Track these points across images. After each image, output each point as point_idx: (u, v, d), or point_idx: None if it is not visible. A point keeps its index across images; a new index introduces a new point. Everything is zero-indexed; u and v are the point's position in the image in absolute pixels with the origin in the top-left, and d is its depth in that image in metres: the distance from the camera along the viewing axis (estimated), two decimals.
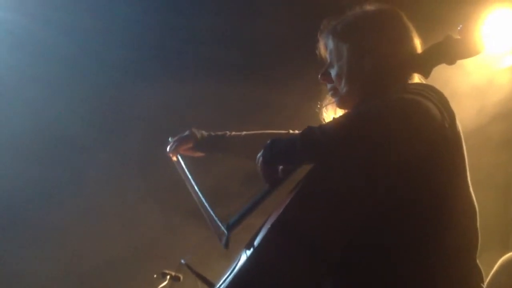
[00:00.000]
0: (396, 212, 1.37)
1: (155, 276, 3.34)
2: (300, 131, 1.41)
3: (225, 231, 1.62)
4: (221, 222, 1.65)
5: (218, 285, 1.52)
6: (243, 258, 1.47)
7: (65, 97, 3.77)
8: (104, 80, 3.78)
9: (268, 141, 1.48)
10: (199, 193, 1.81)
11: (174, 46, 3.70)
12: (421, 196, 1.37)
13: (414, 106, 1.34)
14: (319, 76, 1.65)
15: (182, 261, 3.16)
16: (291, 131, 1.90)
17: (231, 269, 1.50)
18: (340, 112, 1.67)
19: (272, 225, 1.40)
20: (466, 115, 3.32)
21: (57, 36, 3.55)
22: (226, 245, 1.61)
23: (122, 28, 3.61)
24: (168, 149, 2.00)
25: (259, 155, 1.49)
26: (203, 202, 1.77)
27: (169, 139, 2.02)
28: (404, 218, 1.37)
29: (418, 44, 1.58)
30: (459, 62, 1.49)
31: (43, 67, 3.63)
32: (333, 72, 1.61)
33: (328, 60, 1.64)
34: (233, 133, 1.98)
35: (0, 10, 3.42)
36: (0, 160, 3.76)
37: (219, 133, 1.99)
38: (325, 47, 1.65)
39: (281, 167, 1.54)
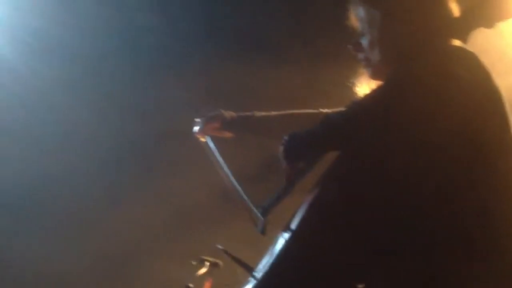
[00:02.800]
0: (441, 187, 1.30)
1: (193, 263, 3.34)
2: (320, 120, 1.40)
3: (261, 216, 1.59)
4: (255, 206, 1.62)
5: (257, 269, 1.50)
6: (281, 241, 1.45)
7: (89, 99, 3.84)
8: (128, 81, 3.83)
9: (285, 137, 1.47)
10: (230, 176, 1.78)
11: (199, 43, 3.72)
12: (465, 169, 1.30)
13: (446, 72, 1.30)
14: (351, 46, 1.59)
15: (219, 246, 3.14)
16: (321, 110, 1.85)
17: (270, 253, 1.48)
18: (373, 84, 1.61)
19: (309, 207, 1.39)
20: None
21: (81, 40, 3.62)
22: (263, 231, 1.58)
23: (145, 30, 3.64)
24: (195, 129, 1.96)
25: (279, 153, 1.47)
26: (235, 186, 1.74)
27: (196, 119, 1.98)
28: (452, 193, 1.30)
29: (454, 8, 1.50)
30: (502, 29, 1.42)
31: (67, 71, 3.70)
32: (365, 41, 1.56)
33: (360, 29, 1.58)
34: (262, 113, 1.94)
35: (23, 14, 3.47)
36: (27, 158, 3.84)
37: (248, 113, 1.95)
38: (356, 16, 1.59)
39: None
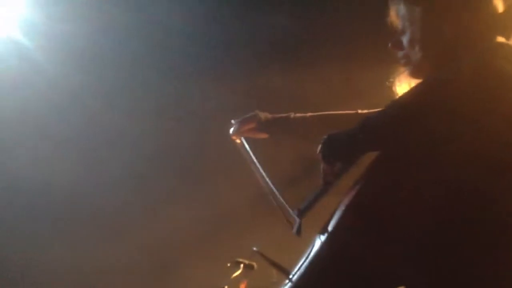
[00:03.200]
0: (481, 190, 1.26)
1: (228, 265, 3.34)
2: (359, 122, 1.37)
3: (296, 218, 1.56)
4: (291, 208, 1.60)
5: (294, 272, 1.49)
6: (318, 243, 1.43)
7: (127, 105, 3.89)
8: (165, 87, 3.86)
9: (325, 137, 1.44)
10: (266, 178, 1.76)
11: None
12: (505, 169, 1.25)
13: (493, 70, 1.26)
14: (390, 44, 1.56)
15: (254, 248, 3.13)
16: (359, 111, 1.81)
17: (306, 255, 1.46)
18: (413, 83, 1.57)
19: (347, 209, 1.36)
20: None
21: (117, 45, 3.67)
22: (298, 232, 1.56)
23: (181, 36, 3.67)
24: (231, 131, 1.95)
25: (317, 153, 1.45)
26: (271, 188, 1.72)
27: (232, 121, 1.97)
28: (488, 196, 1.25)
29: (498, 3, 1.45)
30: None
31: (103, 77, 3.76)
32: (405, 39, 1.52)
33: (400, 27, 1.54)
34: (298, 114, 1.92)
35: (57, 22, 3.54)
36: (59, 161, 3.91)
37: (283, 114, 1.94)
38: (396, 13, 1.55)
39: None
